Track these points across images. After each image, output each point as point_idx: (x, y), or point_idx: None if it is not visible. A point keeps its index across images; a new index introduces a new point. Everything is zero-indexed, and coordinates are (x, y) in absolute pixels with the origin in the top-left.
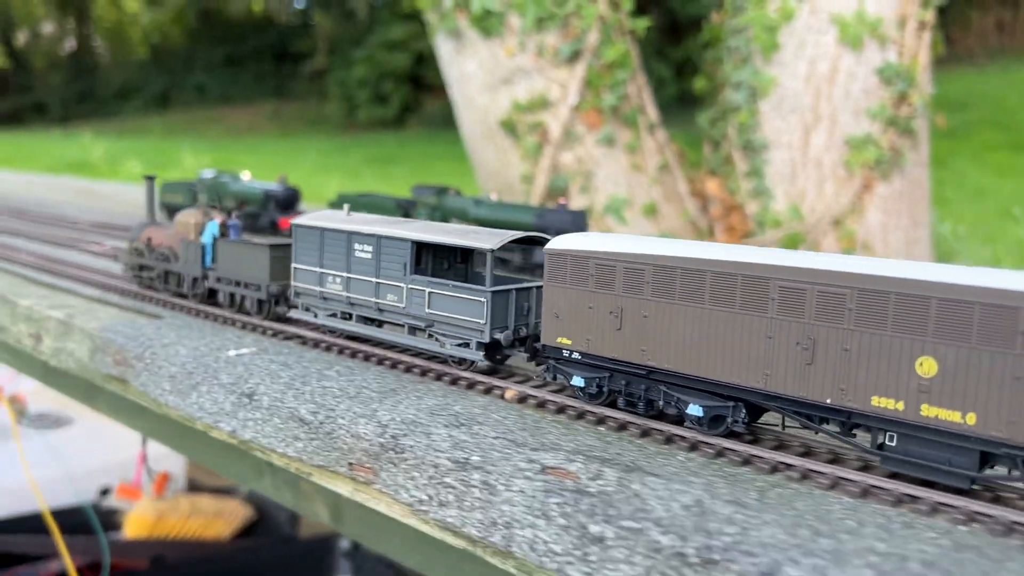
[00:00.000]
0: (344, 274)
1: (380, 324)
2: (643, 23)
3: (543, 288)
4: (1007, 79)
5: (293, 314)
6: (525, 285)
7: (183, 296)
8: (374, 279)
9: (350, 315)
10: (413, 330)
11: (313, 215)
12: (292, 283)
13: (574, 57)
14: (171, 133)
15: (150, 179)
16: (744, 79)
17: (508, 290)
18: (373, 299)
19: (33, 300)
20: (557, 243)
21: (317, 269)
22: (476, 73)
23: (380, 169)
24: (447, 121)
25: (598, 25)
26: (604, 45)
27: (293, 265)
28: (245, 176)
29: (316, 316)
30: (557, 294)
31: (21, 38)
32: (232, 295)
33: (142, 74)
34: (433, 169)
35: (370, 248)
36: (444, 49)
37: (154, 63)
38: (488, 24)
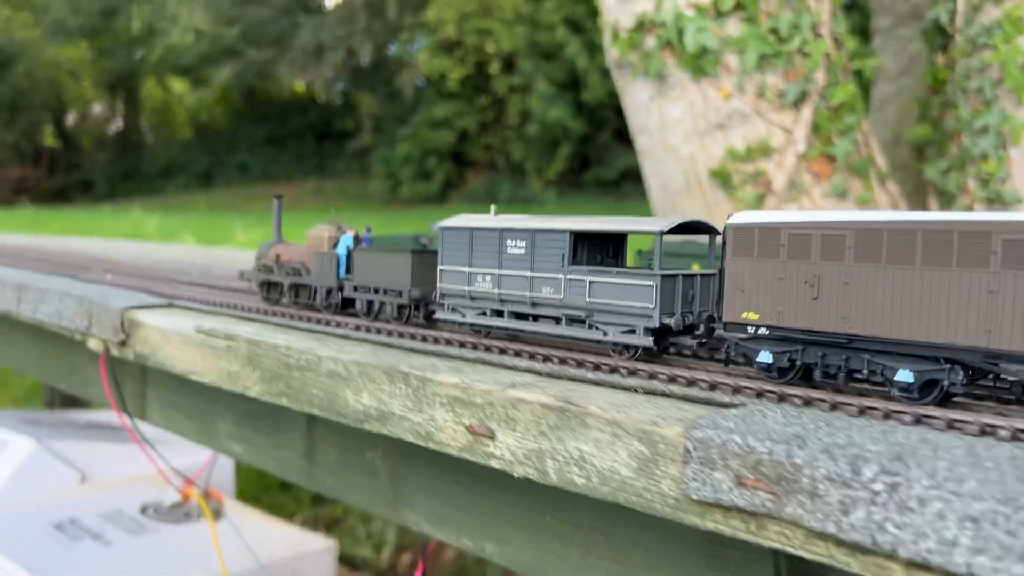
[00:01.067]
0: (495, 271)
1: (533, 319)
2: (872, 62)
3: (726, 262)
4: None
5: (439, 315)
6: (689, 272)
7: (315, 309)
8: (528, 273)
9: (499, 312)
10: (571, 321)
11: (458, 218)
12: (438, 285)
13: (800, 99)
14: (215, 209)
15: (278, 198)
16: (990, 124)
17: (675, 275)
18: (528, 293)
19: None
20: (742, 217)
21: (465, 269)
22: (682, 119)
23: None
24: (489, 196)
25: (825, 63)
26: (831, 86)
27: (439, 267)
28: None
29: (464, 316)
30: (743, 267)
31: (70, 119)
32: (370, 303)
33: (186, 152)
34: None
35: (524, 243)
36: (640, 94)
37: (198, 142)
38: (703, 64)
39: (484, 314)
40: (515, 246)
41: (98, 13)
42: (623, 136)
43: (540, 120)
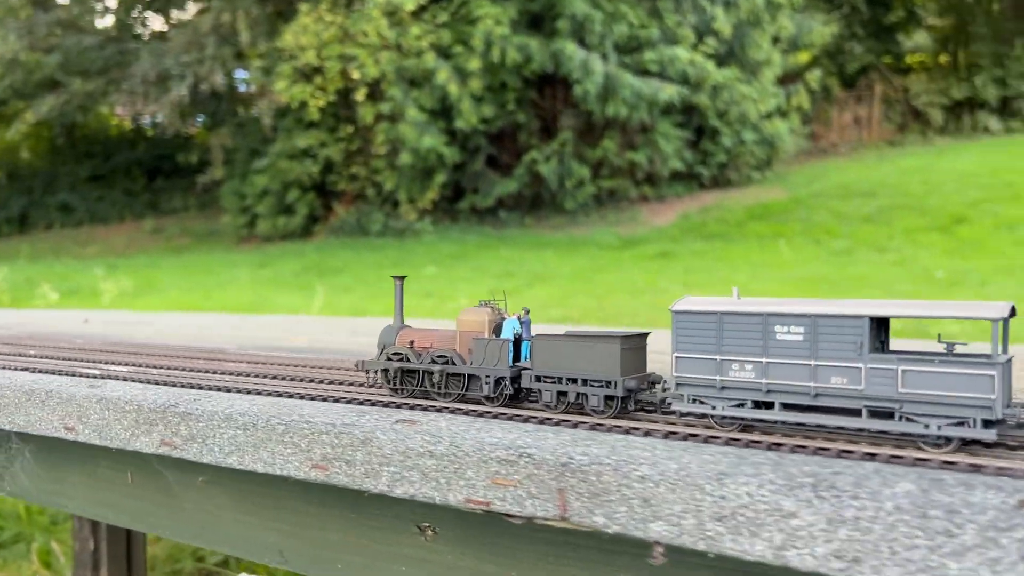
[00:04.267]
0: (760, 359)
1: (807, 410)
2: None
3: None
4: (896, 166)
5: (678, 407)
6: (1009, 357)
7: (473, 401)
8: (811, 362)
9: (763, 404)
10: (873, 413)
11: (694, 300)
12: (672, 374)
13: None
14: (41, 256)
15: (399, 279)
16: None
17: (1010, 360)
18: (811, 383)
19: None
20: None
21: (715, 357)
22: None
23: (332, 279)
24: (363, 228)
25: None
26: None
27: (675, 355)
28: None
29: (714, 408)
30: None
31: None
32: (561, 394)
33: None
34: (387, 276)
35: (801, 329)
36: None
37: (9, 182)
38: None
39: (741, 406)
40: (788, 332)
41: None
42: (496, 163)
43: (413, 148)
